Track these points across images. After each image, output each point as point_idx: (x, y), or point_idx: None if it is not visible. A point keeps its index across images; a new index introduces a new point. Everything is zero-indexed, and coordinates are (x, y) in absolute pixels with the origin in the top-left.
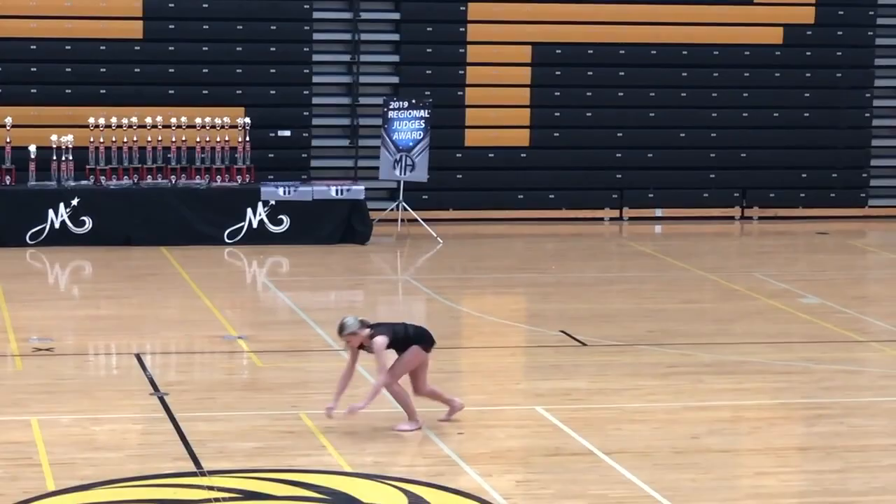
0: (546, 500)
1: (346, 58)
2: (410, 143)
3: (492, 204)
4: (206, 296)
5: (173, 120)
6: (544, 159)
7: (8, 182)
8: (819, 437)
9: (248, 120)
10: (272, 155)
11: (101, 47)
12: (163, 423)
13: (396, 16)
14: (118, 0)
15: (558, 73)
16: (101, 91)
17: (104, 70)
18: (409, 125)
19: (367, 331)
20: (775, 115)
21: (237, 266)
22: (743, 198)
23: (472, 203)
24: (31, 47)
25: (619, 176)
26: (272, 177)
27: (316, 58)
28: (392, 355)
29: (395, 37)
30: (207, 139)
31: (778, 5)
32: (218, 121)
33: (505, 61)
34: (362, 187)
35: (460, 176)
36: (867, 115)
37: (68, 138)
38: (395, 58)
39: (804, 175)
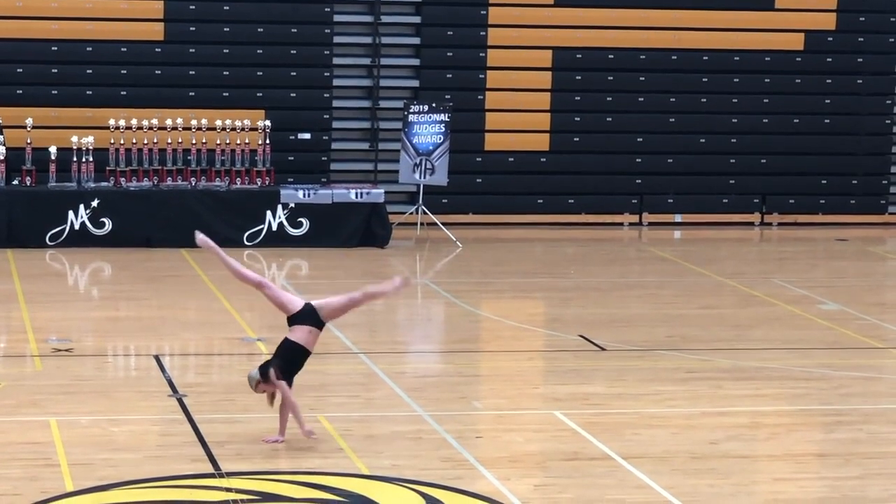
0: None
1: (367, 61)
2: (430, 147)
3: (511, 208)
4: (225, 298)
5: (194, 122)
6: (564, 164)
7: (28, 183)
8: (838, 443)
9: (268, 122)
10: (292, 158)
11: (122, 49)
12: (181, 424)
13: (417, 19)
14: (139, 2)
15: (579, 77)
16: (122, 93)
17: (125, 72)
18: (429, 129)
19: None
20: (796, 121)
21: (257, 268)
22: (762, 204)
23: (492, 207)
24: (53, 48)
25: (639, 181)
26: (292, 179)
27: (336, 61)
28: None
29: (416, 40)
30: (227, 141)
31: (799, 11)
32: (238, 123)
33: (525, 66)
34: (382, 191)
35: (480, 180)
36: (888, 121)
37: (89, 139)
38: (416, 61)
39: (824, 181)
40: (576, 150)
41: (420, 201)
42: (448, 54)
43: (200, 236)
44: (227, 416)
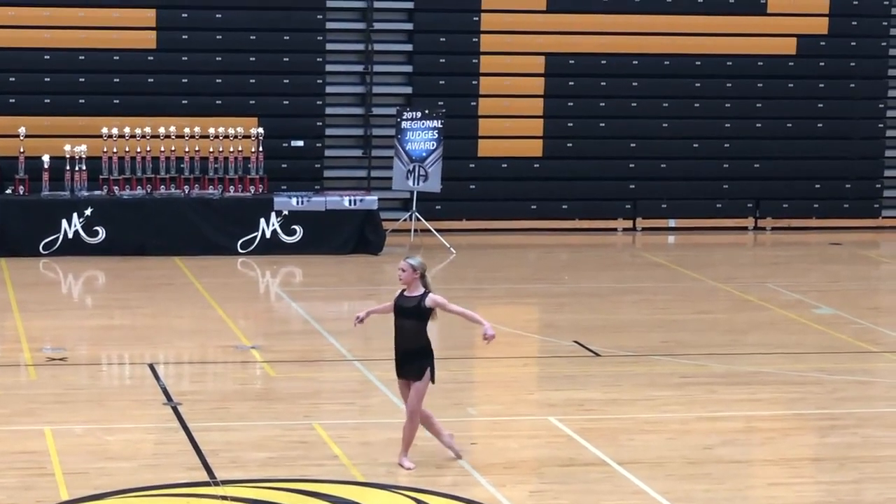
0: None
1: (360, 68)
2: (423, 154)
3: (505, 214)
4: (219, 306)
5: (186, 130)
6: (557, 170)
7: (21, 192)
8: (833, 447)
9: (261, 130)
10: (285, 165)
11: (115, 58)
12: (176, 432)
13: (410, 26)
14: (132, 11)
15: (571, 83)
16: (115, 101)
17: (118, 80)
18: (422, 135)
19: (419, 280)
20: (789, 125)
21: (250, 276)
22: (756, 208)
23: (486, 213)
24: (45, 57)
25: (633, 186)
26: (285, 187)
27: (329, 68)
28: None
29: (409, 47)
30: (221, 149)
31: (791, 16)
32: (231, 131)
33: (518, 72)
34: (375, 197)
35: (473, 186)
36: (881, 125)
37: (82, 148)
38: (409, 68)
39: (817, 185)
40: (569, 155)
41: (413, 208)
42: (441, 61)
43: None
44: (222, 425)
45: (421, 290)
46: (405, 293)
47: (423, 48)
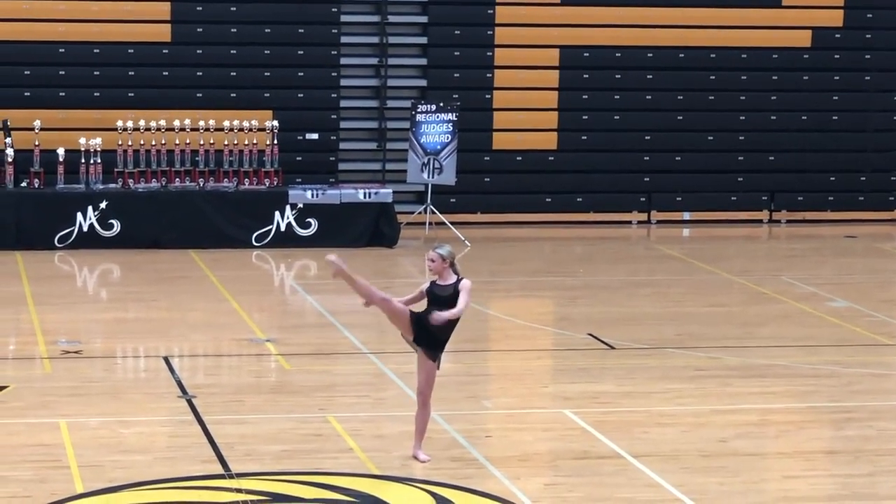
0: (574, 503)
1: (374, 61)
2: (438, 147)
3: (519, 207)
4: (233, 299)
5: (201, 123)
6: (572, 162)
7: (37, 185)
8: (847, 440)
9: (276, 123)
10: (300, 158)
11: (130, 50)
12: (191, 425)
13: (424, 19)
14: (146, 4)
15: (586, 76)
16: (130, 94)
17: (132, 73)
18: (436, 128)
19: (450, 268)
20: (803, 118)
21: (265, 269)
22: (771, 201)
23: (500, 206)
24: (60, 51)
25: (647, 179)
26: (300, 180)
27: (344, 61)
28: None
29: (423, 40)
30: (235, 142)
31: (806, 8)
32: (246, 124)
33: (532, 64)
34: (390, 190)
35: (488, 179)
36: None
37: (97, 141)
38: (423, 61)
39: (832, 178)
40: (583, 148)
41: (428, 201)
42: (455, 53)
43: (331, 258)
44: (236, 417)
45: (454, 278)
46: (437, 282)
47: (437, 41)
